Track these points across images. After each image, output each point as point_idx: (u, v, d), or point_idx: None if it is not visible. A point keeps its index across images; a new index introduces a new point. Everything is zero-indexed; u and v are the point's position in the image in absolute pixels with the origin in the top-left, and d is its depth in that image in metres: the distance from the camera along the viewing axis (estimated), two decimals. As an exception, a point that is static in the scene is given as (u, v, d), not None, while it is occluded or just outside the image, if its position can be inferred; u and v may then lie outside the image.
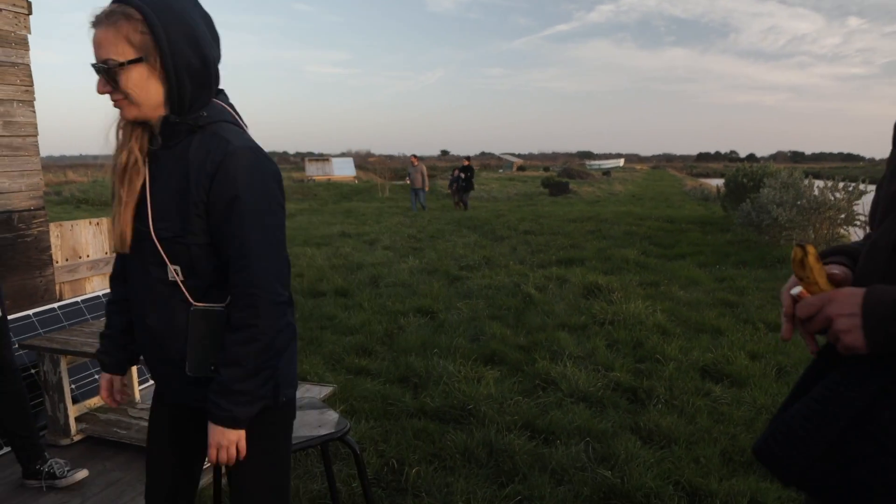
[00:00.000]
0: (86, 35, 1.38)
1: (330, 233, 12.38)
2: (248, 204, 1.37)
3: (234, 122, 1.47)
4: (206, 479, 2.74)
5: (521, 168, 60.01)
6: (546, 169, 55.62)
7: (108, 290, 1.70)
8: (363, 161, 59.41)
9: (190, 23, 1.38)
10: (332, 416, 2.20)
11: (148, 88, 1.37)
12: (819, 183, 10.15)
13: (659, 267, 8.22)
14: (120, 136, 1.46)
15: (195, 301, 1.45)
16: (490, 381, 4.08)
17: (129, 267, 1.53)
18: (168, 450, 1.65)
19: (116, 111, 1.44)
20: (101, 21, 1.34)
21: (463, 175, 18.80)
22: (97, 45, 1.35)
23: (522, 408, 3.67)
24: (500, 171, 54.48)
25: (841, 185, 9.72)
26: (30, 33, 3.80)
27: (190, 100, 1.40)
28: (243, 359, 1.40)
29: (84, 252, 4.43)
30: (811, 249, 0.94)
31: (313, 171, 39.82)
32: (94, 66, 1.37)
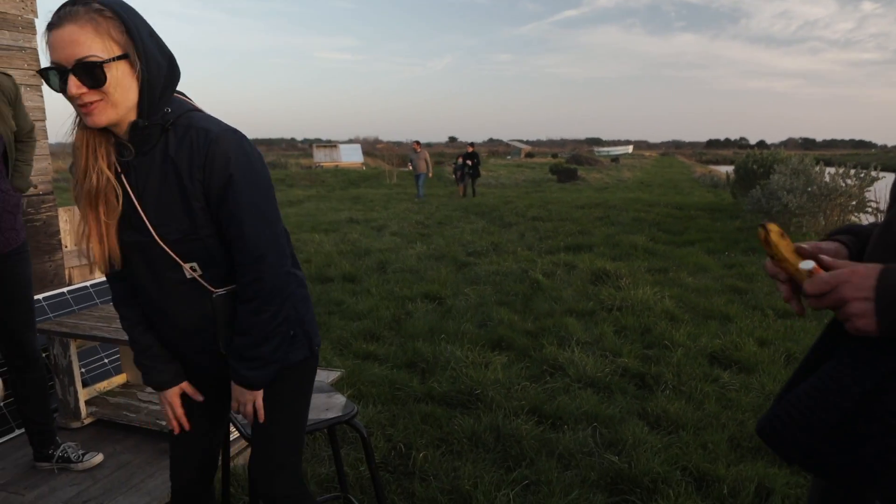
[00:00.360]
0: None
1: (338, 219, 12.39)
2: (241, 183, 1.40)
3: (196, 109, 1.46)
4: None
5: (529, 154, 59.80)
6: (554, 155, 55.42)
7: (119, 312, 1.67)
8: (371, 148, 59.29)
9: (149, 25, 1.37)
10: (340, 399, 2.20)
11: (128, 88, 1.32)
12: (830, 170, 10.05)
13: (667, 253, 8.18)
14: (82, 156, 1.38)
15: (215, 289, 1.49)
16: (497, 366, 4.08)
17: (136, 279, 1.51)
18: (192, 418, 1.69)
19: (68, 125, 1.38)
20: (72, 18, 1.25)
21: (469, 162, 18.30)
22: (70, 42, 1.24)
23: (530, 393, 3.68)
24: (509, 157, 54.32)
25: (852, 171, 9.62)
26: (37, 17, 3.78)
27: (157, 101, 1.38)
28: (253, 328, 1.48)
29: (93, 237, 4.44)
30: (773, 227, 0.97)
31: (321, 157, 39.86)
32: (61, 66, 1.26)
